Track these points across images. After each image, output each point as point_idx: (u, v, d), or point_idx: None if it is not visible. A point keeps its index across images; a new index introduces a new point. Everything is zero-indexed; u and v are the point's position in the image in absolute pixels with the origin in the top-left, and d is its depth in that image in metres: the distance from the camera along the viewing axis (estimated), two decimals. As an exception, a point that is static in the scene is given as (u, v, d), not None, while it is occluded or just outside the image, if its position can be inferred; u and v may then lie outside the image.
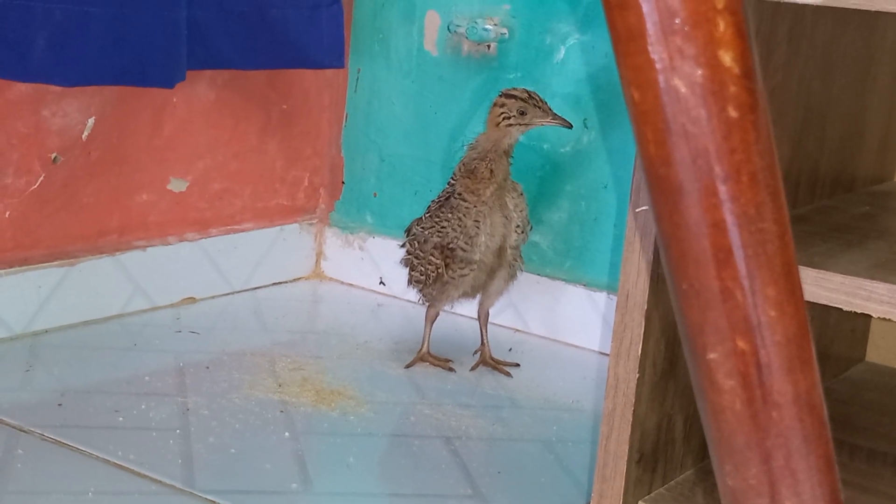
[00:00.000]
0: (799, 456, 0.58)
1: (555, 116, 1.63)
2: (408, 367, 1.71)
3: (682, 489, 1.10)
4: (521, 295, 1.92)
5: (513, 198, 1.67)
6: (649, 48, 0.47)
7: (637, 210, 0.99)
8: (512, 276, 1.71)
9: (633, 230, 0.99)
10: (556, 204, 1.91)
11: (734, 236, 0.53)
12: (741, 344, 0.55)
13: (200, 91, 1.89)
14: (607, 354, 1.86)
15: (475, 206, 1.63)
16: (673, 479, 1.11)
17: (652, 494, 1.07)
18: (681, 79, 0.51)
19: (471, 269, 1.66)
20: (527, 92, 1.63)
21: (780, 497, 0.57)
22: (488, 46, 1.95)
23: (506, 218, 1.66)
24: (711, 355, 0.55)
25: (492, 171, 1.63)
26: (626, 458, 1.01)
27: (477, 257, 1.65)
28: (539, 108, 1.61)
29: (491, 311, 1.77)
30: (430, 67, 2.02)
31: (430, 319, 1.74)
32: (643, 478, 1.06)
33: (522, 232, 1.68)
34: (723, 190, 0.52)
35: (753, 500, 0.58)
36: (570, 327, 1.91)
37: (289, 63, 1.91)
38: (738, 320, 0.54)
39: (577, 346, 1.89)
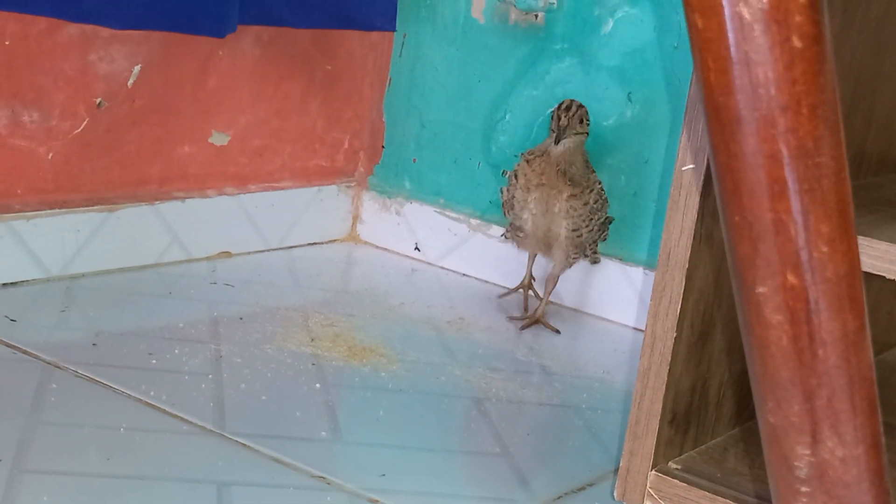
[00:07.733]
0: (843, 396, 0.57)
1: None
2: (522, 328, 1.78)
3: (712, 453, 1.09)
4: (555, 266, 1.91)
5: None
6: (716, -29, 0.47)
7: (683, 168, 0.98)
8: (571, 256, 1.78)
9: (679, 189, 0.99)
10: (596, 177, 1.91)
11: (790, 169, 0.53)
12: (791, 279, 0.54)
13: (246, 46, 1.89)
14: (642, 330, 1.86)
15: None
16: (704, 444, 1.11)
17: (682, 456, 1.07)
18: (746, 6, 0.50)
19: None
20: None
21: (821, 436, 0.57)
22: (536, 16, 1.94)
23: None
24: (760, 289, 0.55)
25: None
26: (658, 418, 1.01)
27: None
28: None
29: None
30: (476, 35, 2.02)
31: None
32: (675, 439, 1.05)
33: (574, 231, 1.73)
34: (781, 121, 0.52)
35: (794, 438, 0.57)
36: (605, 302, 1.90)
37: (341, 23, 1.91)
38: (790, 254, 0.54)
39: (611, 321, 1.89)
